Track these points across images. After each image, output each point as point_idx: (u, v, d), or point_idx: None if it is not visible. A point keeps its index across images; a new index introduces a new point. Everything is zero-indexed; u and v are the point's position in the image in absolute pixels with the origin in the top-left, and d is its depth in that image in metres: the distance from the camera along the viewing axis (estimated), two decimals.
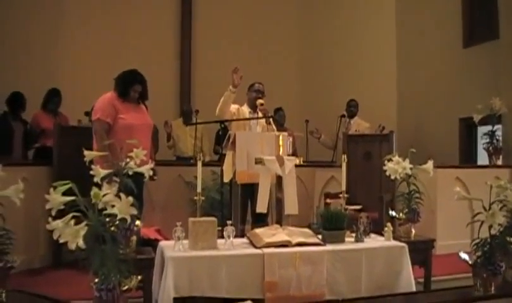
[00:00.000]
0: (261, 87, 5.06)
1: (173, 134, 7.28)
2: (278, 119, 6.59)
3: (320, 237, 3.60)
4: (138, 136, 3.92)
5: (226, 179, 4.57)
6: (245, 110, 5.06)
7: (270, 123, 4.88)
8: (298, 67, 9.19)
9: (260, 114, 4.93)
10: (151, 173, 3.36)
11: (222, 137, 4.70)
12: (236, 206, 4.62)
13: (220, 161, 4.65)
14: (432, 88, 7.60)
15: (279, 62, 8.93)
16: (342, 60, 8.53)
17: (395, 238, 3.77)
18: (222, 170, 4.56)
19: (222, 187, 4.57)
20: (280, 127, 6.47)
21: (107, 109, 4.33)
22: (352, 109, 7.00)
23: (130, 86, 4.44)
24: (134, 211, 2.28)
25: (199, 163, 3.70)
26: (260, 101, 4.87)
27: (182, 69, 8.74)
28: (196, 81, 8.73)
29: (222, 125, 4.66)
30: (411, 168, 3.84)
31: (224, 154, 4.64)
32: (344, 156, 4.08)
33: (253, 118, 4.98)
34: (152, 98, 5.22)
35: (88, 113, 5.47)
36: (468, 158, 7.33)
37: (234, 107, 4.96)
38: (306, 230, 3.76)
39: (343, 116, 6.88)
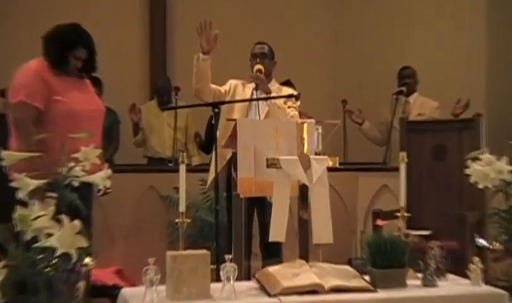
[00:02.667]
0: (262, 48, 5.21)
1: (143, 123, 7.31)
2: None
3: (367, 278, 3.60)
4: (85, 127, 3.84)
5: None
6: (246, 87, 5.16)
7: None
8: (330, 33, 9.24)
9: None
10: (108, 184, 3.33)
11: (216, 127, 4.72)
12: (239, 232, 4.63)
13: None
14: None
15: (306, 28, 9.01)
16: (391, 19, 8.50)
17: (487, 281, 3.74)
18: (216, 178, 4.57)
19: (217, 203, 4.58)
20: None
21: (33, 86, 4.25)
22: (407, 81, 6.94)
23: (70, 50, 4.38)
24: (84, 243, 2.31)
25: (182, 168, 3.66)
26: (257, 67, 5.00)
27: (153, 30, 8.74)
28: (175, 46, 8.75)
29: (216, 109, 4.64)
30: (510, 172, 3.80)
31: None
32: (403, 155, 4.06)
33: (262, 98, 4.99)
34: (111, 72, 5.18)
35: (3, 93, 5.45)
36: None
37: (232, 83, 5.10)
38: (346, 267, 3.79)
39: (400, 92, 6.85)
